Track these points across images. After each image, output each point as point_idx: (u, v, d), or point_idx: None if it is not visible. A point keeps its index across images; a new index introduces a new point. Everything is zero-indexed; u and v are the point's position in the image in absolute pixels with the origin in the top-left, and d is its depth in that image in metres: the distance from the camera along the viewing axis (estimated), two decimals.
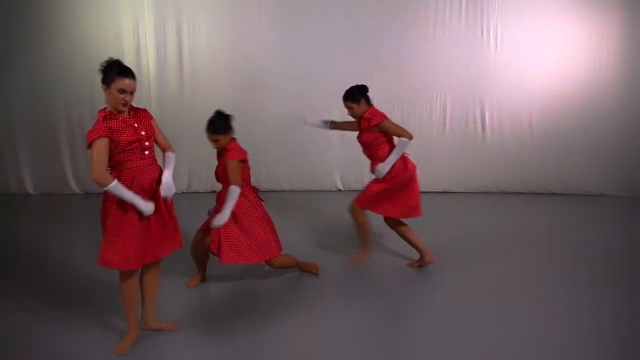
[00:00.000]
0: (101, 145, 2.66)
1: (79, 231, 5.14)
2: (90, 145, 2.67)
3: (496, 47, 6.20)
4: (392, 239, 4.40)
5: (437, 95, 6.38)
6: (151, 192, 2.84)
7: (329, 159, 6.59)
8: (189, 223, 4.26)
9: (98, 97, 6.33)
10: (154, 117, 2.98)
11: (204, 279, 3.84)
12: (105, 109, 2.77)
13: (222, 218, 3.31)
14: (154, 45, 6.30)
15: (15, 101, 6.41)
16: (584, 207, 5.87)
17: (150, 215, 2.79)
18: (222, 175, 3.56)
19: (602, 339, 3.01)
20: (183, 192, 6.54)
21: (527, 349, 2.90)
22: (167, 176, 2.89)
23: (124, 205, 2.73)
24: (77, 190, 6.64)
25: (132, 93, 2.76)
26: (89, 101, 6.34)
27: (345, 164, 6.59)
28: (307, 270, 3.94)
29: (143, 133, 2.81)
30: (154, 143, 2.93)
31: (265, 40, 6.31)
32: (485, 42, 6.20)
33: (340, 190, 6.69)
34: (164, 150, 3.01)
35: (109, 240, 2.75)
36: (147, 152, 2.84)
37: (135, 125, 2.80)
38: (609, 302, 3.48)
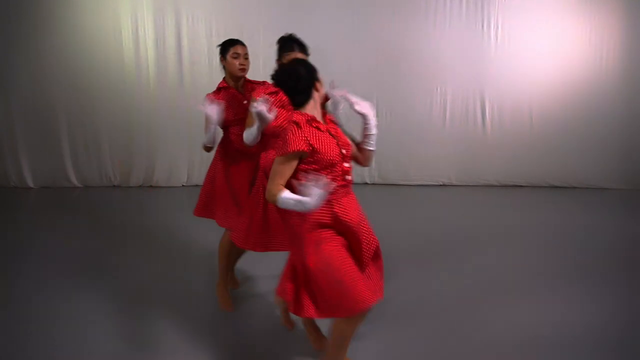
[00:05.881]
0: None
1: (79, 224, 5.13)
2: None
3: (497, 39, 6.17)
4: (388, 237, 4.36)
5: (437, 88, 6.36)
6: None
7: None
8: (190, 217, 4.23)
9: (97, 88, 6.33)
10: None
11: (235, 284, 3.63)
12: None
13: None
14: (153, 37, 6.27)
15: (15, 94, 6.37)
16: (584, 200, 5.86)
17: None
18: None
19: (602, 336, 3.02)
20: (183, 186, 6.53)
21: (526, 347, 2.91)
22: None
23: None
24: (77, 184, 6.63)
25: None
26: (88, 93, 6.30)
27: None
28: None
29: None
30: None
31: (265, 32, 6.26)
32: (486, 35, 6.17)
33: None
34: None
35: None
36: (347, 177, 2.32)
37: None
38: (610, 297, 3.48)
